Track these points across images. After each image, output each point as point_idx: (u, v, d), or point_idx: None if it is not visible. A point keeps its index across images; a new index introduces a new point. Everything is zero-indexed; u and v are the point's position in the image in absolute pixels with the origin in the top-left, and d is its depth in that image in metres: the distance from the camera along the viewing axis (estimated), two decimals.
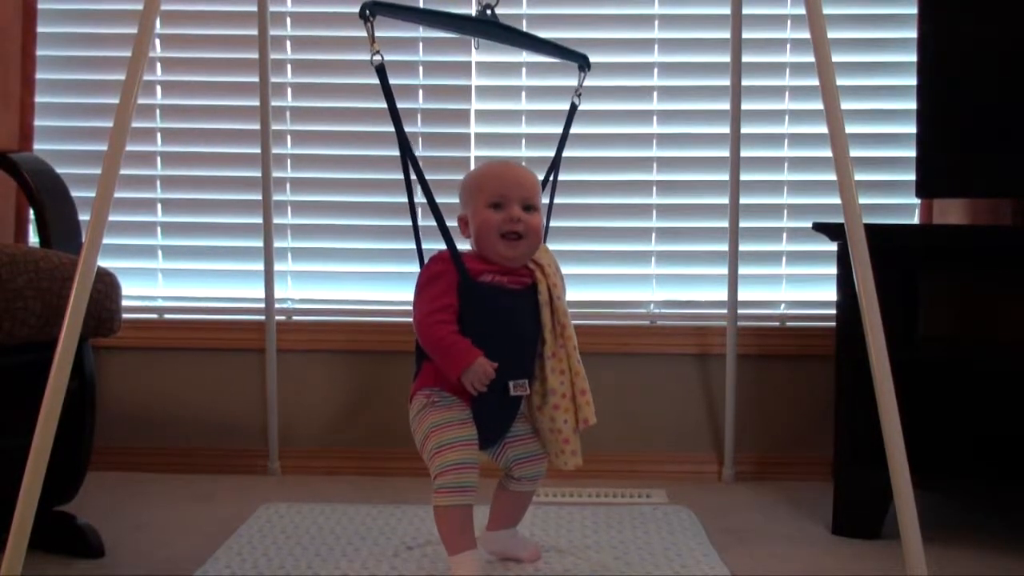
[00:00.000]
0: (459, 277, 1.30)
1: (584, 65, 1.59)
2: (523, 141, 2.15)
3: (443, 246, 1.31)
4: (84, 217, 1.34)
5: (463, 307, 1.29)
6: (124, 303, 1.56)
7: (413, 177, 1.32)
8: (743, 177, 2.03)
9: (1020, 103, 1.71)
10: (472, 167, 2.03)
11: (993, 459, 1.65)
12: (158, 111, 2.16)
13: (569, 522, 1.70)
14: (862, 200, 1.26)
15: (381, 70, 1.26)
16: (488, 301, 1.32)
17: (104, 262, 1.40)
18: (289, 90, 2.15)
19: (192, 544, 1.59)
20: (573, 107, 1.57)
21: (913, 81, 1.77)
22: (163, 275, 2.19)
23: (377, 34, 1.24)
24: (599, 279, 2.15)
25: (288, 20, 2.14)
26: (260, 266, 2.08)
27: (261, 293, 2.08)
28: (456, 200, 1.40)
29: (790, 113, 2.12)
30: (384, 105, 1.27)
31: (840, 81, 1.25)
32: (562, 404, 1.34)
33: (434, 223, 1.30)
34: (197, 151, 2.16)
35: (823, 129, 1.24)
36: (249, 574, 1.43)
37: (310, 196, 2.17)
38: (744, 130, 2.02)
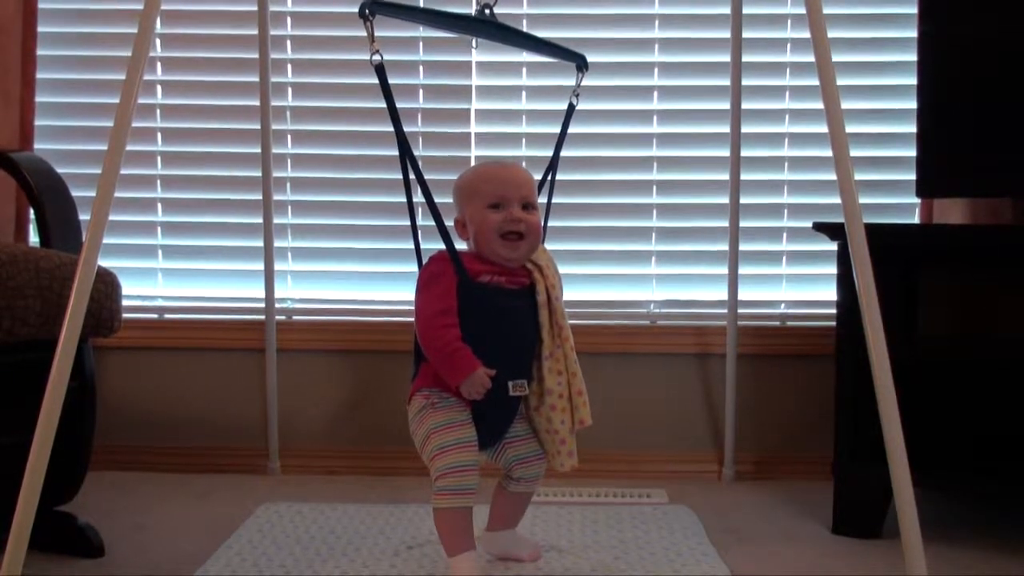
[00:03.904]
0: (458, 277, 1.30)
1: (582, 65, 1.59)
2: (523, 141, 2.15)
3: (442, 246, 1.31)
4: (84, 217, 1.34)
5: (462, 308, 1.29)
6: (124, 303, 1.56)
7: (412, 177, 1.32)
8: (743, 177, 2.03)
9: (1020, 103, 1.71)
10: (472, 166, 2.04)
11: (993, 458, 1.65)
12: (158, 111, 2.16)
13: (569, 522, 1.70)
14: (862, 200, 1.26)
15: (380, 69, 1.25)
16: (487, 302, 1.32)
17: (104, 262, 1.40)
18: (289, 90, 2.15)
19: (192, 544, 1.59)
20: (571, 107, 1.57)
21: (913, 80, 1.77)
22: (163, 275, 2.19)
23: (377, 34, 1.24)
24: (599, 279, 2.15)
25: (288, 20, 2.14)
26: (260, 266, 2.08)
27: (261, 293, 2.08)
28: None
29: (790, 112, 2.12)
30: (384, 105, 1.27)
31: (840, 80, 1.25)
32: (559, 404, 1.34)
33: (433, 223, 1.30)
34: (197, 151, 2.16)
35: (823, 128, 1.24)
36: (249, 574, 1.43)
37: (310, 196, 2.17)
38: (744, 129, 2.02)
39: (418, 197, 1.33)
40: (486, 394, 1.28)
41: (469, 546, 1.31)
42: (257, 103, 2.05)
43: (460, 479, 1.27)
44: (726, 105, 2.02)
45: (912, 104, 1.78)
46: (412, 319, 1.34)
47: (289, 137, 2.16)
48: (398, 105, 1.28)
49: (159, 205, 2.18)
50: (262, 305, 2.09)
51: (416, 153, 1.32)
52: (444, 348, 1.28)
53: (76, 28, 2.16)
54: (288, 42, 2.15)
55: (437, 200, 1.30)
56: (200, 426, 2.13)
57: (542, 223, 1.43)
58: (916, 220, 2.09)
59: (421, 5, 2.07)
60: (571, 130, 1.57)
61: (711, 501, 1.88)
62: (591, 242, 2.14)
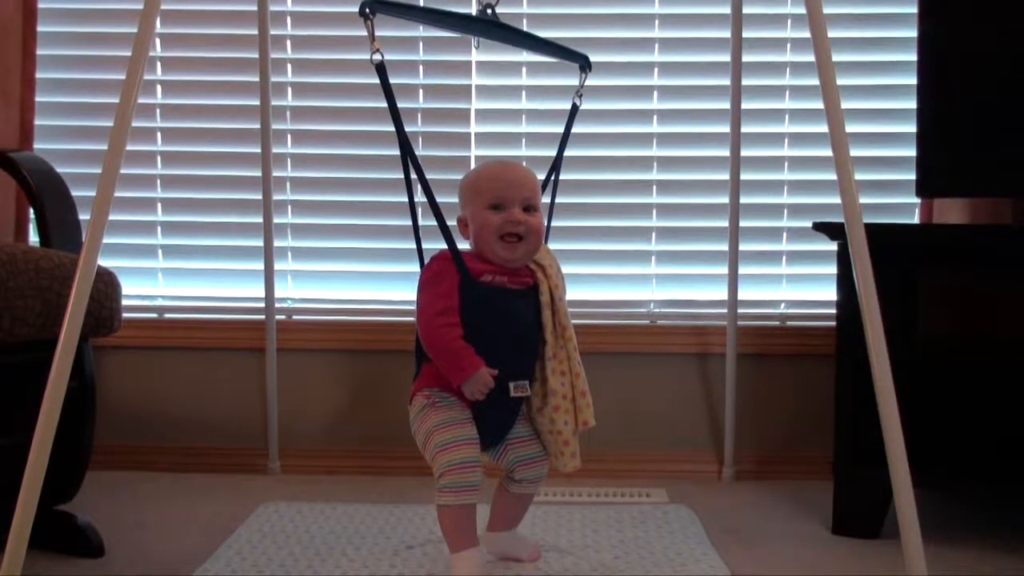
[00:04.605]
0: (460, 277, 1.30)
1: (585, 66, 1.59)
2: (523, 140, 2.15)
3: (443, 245, 1.31)
4: (84, 216, 1.34)
5: (464, 307, 1.29)
6: (124, 302, 1.56)
7: (413, 176, 1.32)
8: (743, 176, 2.02)
9: (1020, 103, 1.71)
10: (472, 166, 2.03)
11: (993, 458, 1.65)
12: (158, 110, 2.16)
13: (569, 522, 1.70)
14: (862, 199, 1.26)
15: (381, 68, 1.25)
16: (489, 302, 1.31)
17: (104, 261, 1.40)
18: (289, 89, 2.15)
19: (192, 543, 1.59)
20: (574, 108, 1.57)
21: (913, 80, 1.77)
22: (163, 274, 2.19)
23: (377, 33, 1.24)
24: (599, 279, 2.15)
25: (288, 19, 2.14)
26: (260, 265, 2.08)
27: (261, 292, 2.08)
28: (456, 200, 1.40)
29: (790, 112, 2.12)
30: (384, 104, 1.27)
31: (840, 80, 1.24)
32: (562, 405, 1.34)
33: (434, 222, 1.30)
34: (197, 150, 2.16)
35: (823, 128, 1.24)
36: (249, 574, 1.43)
37: (310, 195, 2.17)
38: (744, 129, 2.02)
39: (419, 196, 1.32)
40: (487, 394, 1.28)
41: (472, 543, 1.31)
42: (257, 103, 2.05)
43: (462, 476, 1.27)
44: (726, 105, 2.02)
45: (912, 104, 1.78)
46: (412, 319, 1.34)
47: (289, 137, 2.16)
48: (398, 105, 1.28)
49: (159, 205, 2.18)
50: (262, 305, 2.09)
51: (416, 153, 1.32)
52: (446, 347, 1.28)
53: (76, 28, 2.16)
54: (288, 42, 2.14)
55: (438, 199, 1.29)
56: (200, 426, 2.13)
57: (545, 224, 1.43)
58: (916, 220, 2.09)
59: (422, 4, 2.07)
60: (572, 130, 1.57)
61: (711, 501, 1.88)
62: (591, 242, 2.14)
